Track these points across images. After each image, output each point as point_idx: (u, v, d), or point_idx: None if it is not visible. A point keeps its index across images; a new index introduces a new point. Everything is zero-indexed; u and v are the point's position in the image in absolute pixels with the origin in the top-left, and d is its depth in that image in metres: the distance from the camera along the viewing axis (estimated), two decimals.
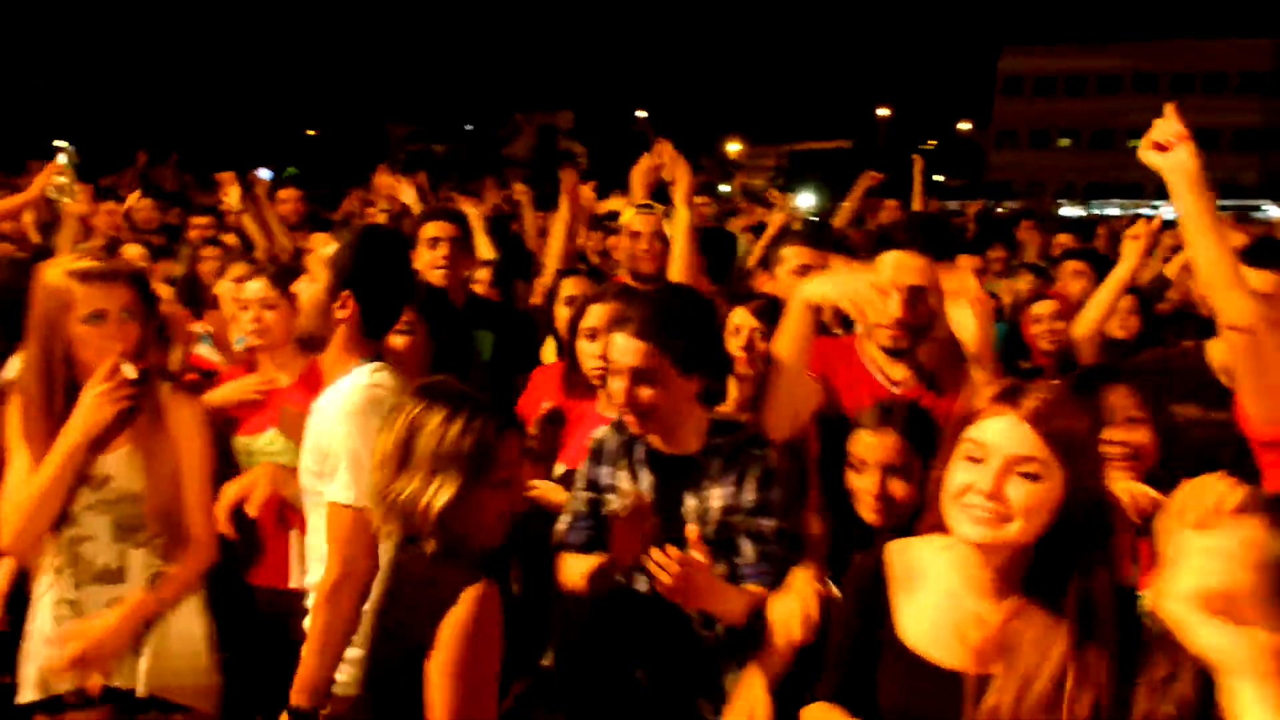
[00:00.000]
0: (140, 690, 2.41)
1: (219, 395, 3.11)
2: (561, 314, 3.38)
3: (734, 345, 2.91)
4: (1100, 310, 3.88)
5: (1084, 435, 1.67)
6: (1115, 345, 4.09)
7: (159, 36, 51.94)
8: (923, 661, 1.69)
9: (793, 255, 3.45)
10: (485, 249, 5.52)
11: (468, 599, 1.79)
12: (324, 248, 2.50)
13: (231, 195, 5.49)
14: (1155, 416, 2.22)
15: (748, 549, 2.20)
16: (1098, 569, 1.62)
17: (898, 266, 2.54)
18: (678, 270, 3.55)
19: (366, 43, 67.88)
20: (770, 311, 2.88)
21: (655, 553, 1.99)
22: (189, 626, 2.50)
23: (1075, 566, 1.62)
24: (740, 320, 2.94)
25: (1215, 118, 56.37)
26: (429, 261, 3.72)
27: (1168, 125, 2.13)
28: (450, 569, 1.84)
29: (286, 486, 2.68)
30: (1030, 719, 1.57)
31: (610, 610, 2.34)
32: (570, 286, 3.62)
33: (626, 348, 2.20)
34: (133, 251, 4.83)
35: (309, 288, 2.46)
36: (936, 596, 1.72)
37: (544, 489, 2.80)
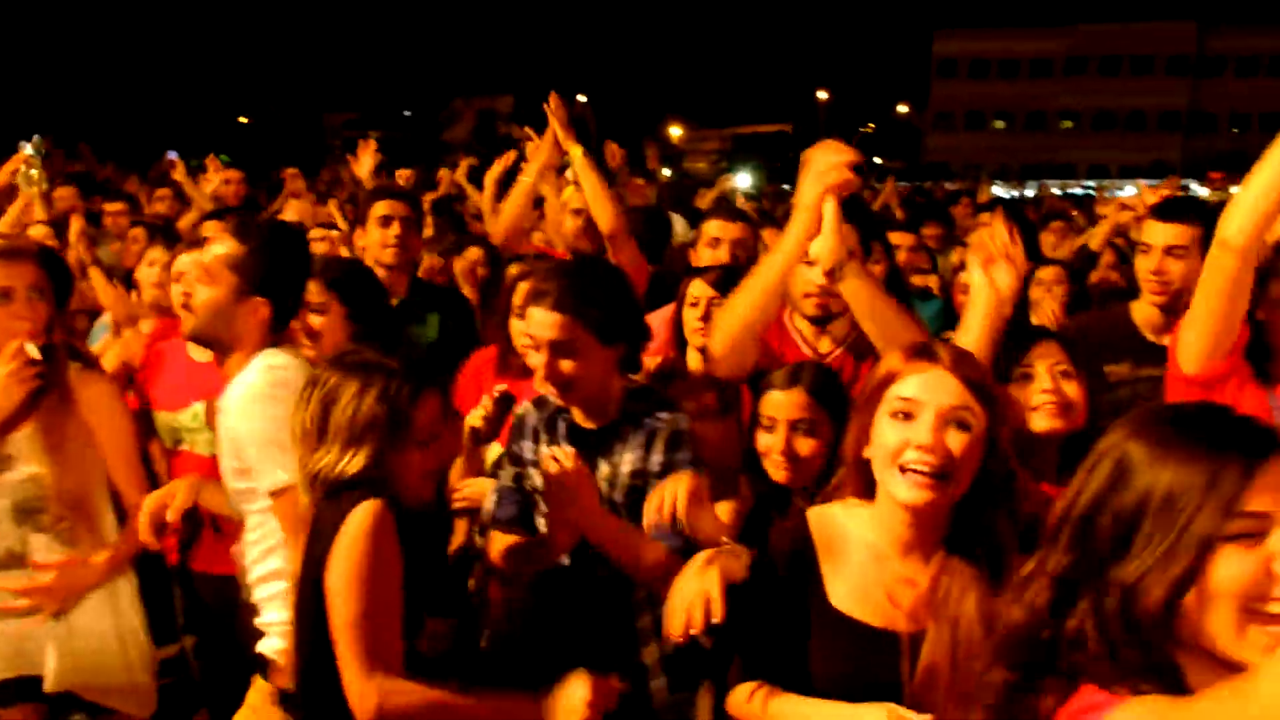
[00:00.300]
0: (48, 685, 2.34)
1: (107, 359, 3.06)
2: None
3: (691, 316, 2.92)
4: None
5: (993, 384, 1.72)
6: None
7: (92, 24, 50.28)
8: (857, 625, 1.70)
9: (710, 229, 3.55)
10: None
11: (357, 514, 1.83)
12: (219, 244, 2.36)
13: (180, 173, 5.53)
14: (1087, 374, 2.25)
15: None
16: (1006, 517, 1.67)
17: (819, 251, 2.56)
18: (604, 225, 3.60)
19: (303, 29, 66.44)
20: (727, 282, 2.91)
21: (548, 450, 2.07)
22: (96, 623, 2.41)
23: (989, 517, 1.67)
24: (698, 291, 2.95)
25: (1142, 99, 57.95)
26: (379, 240, 3.67)
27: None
28: (346, 499, 1.87)
29: (210, 498, 2.50)
30: (967, 671, 1.58)
31: (541, 588, 2.37)
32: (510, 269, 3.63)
33: (544, 321, 2.19)
34: (39, 231, 4.72)
35: (208, 291, 2.34)
36: (863, 560, 1.72)
37: (472, 489, 2.75)
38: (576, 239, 3.90)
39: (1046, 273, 4.15)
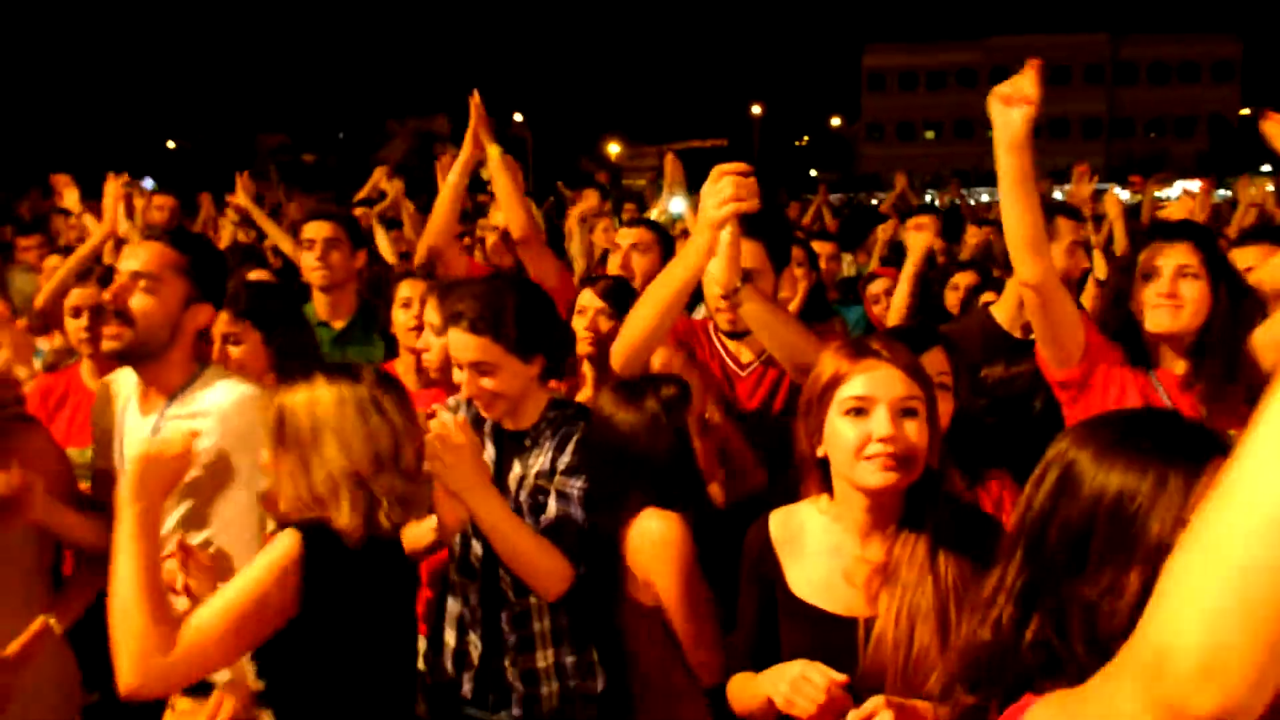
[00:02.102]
0: None
1: None
2: (397, 316, 3.40)
3: (579, 324, 3.00)
4: (903, 299, 4.04)
5: (927, 373, 1.81)
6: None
7: (18, 49, 48.76)
8: (819, 613, 1.79)
9: (625, 236, 3.78)
10: (387, 251, 5.48)
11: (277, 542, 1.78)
12: (156, 257, 2.34)
13: (69, 199, 5.22)
14: (965, 379, 2.36)
15: (552, 507, 2.26)
16: (945, 496, 1.80)
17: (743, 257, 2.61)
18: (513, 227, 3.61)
19: (236, 53, 65.38)
20: (617, 293, 2.96)
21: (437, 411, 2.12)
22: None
23: (930, 498, 1.77)
24: (586, 301, 3.01)
25: (1063, 107, 59.79)
26: (307, 263, 3.69)
27: (1020, 83, 2.20)
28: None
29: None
30: (921, 649, 1.67)
31: (442, 588, 2.43)
32: (407, 289, 3.71)
33: (464, 344, 2.24)
34: None
35: (146, 300, 2.31)
36: (821, 551, 1.82)
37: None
38: (494, 253, 3.94)
39: (962, 277, 4.27)
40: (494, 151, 3.56)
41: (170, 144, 46.71)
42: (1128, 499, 1.09)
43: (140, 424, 2.40)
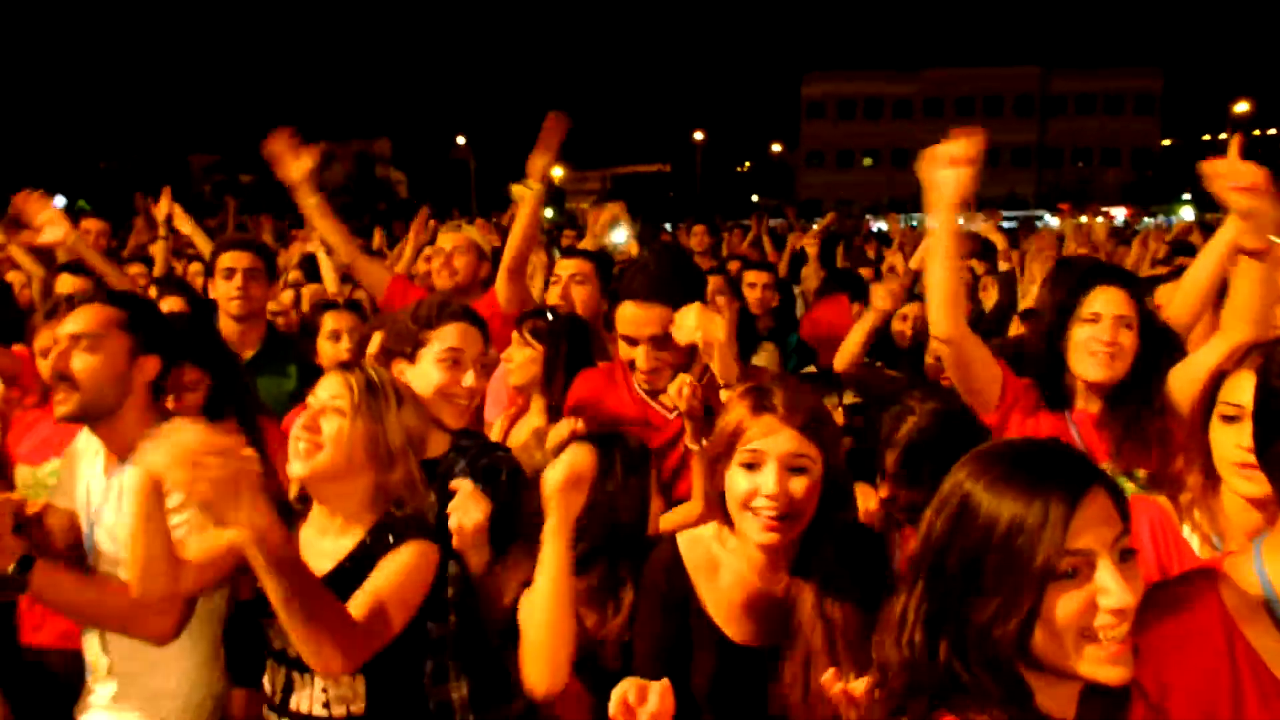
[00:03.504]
0: None
1: None
2: (325, 349, 3.30)
3: (516, 355, 3.04)
4: (856, 348, 3.80)
5: (830, 420, 1.88)
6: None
7: None
8: (730, 644, 1.85)
9: (564, 267, 3.88)
10: (331, 282, 5.38)
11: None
12: (84, 313, 2.30)
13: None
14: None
15: None
16: (831, 540, 1.85)
17: (635, 320, 2.61)
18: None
19: (167, 72, 64.17)
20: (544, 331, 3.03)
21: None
22: None
23: (825, 539, 1.84)
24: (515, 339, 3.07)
25: (996, 136, 60.23)
26: (224, 293, 3.62)
27: (953, 147, 2.27)
28: None
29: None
30: (816, 686, 1.69)
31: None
32: (332, 321, 3.72)
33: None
34: None
35: (91, 359, 2.25)
36: (732, 581, 1.88)
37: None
38: (437, 276, 3.96)
39: (911, 308, 4.33)
40: (536, 189, 3.56)
41: (101, 164, 45.63)
42: (1015, 528, 1.17)
43: (102, 483, 2.34)
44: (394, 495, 2.06)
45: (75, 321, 2.28)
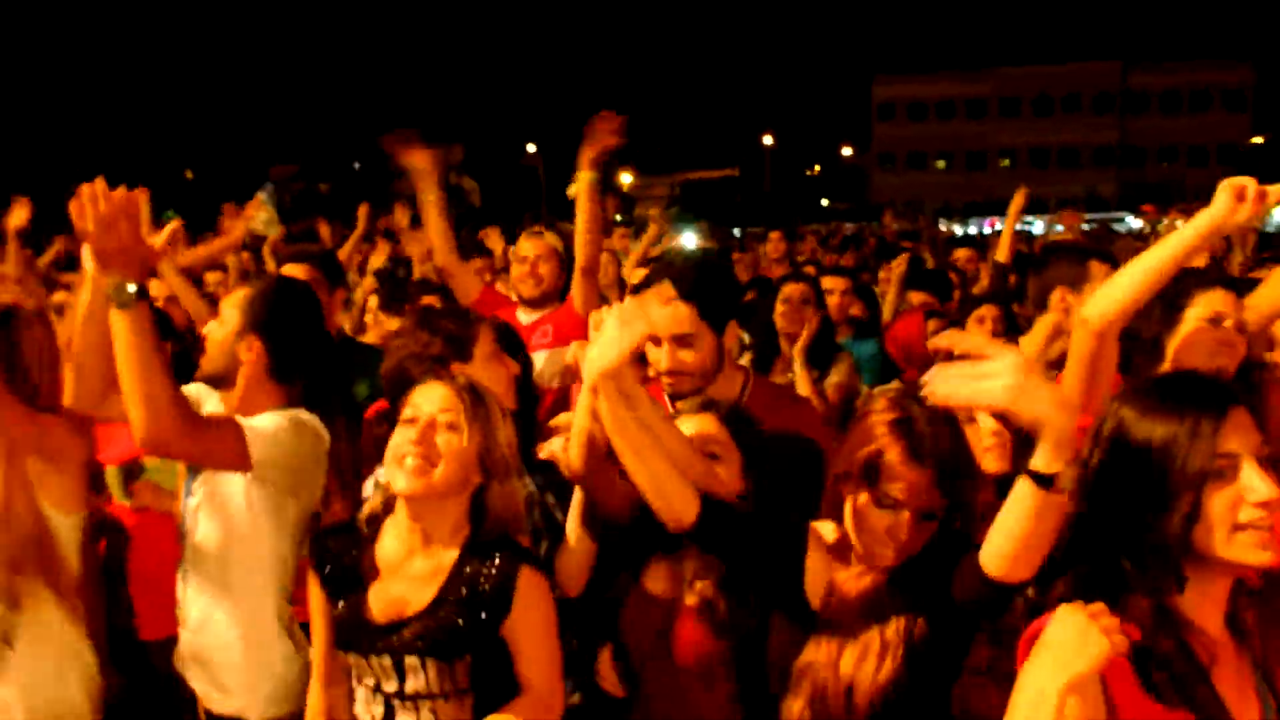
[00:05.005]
0: None
1: None
2: None
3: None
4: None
5: (966, 461, 1.87)
6: None
7: (35, 82, 49.42)
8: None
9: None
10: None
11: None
12: (235, 294, 2.50)
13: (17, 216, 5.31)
14: None
15: None
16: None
17: (662, 319, 2.39)
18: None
19: (248, 83, 66.22)
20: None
21: None
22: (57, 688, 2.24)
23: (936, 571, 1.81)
24: None
25: (1075, 135, 59.90)
26: None
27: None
28: None
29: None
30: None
31: None
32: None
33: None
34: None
35: (218, 329, 2.45)
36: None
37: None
38: (518, 284, 4.03)
39: (988, 310, 4.15)
40: (587, 177, 3.61)
41: (189, 174, 47.24)
42: (1170, 443, 1.41)
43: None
44: (494, 510, 1.99)
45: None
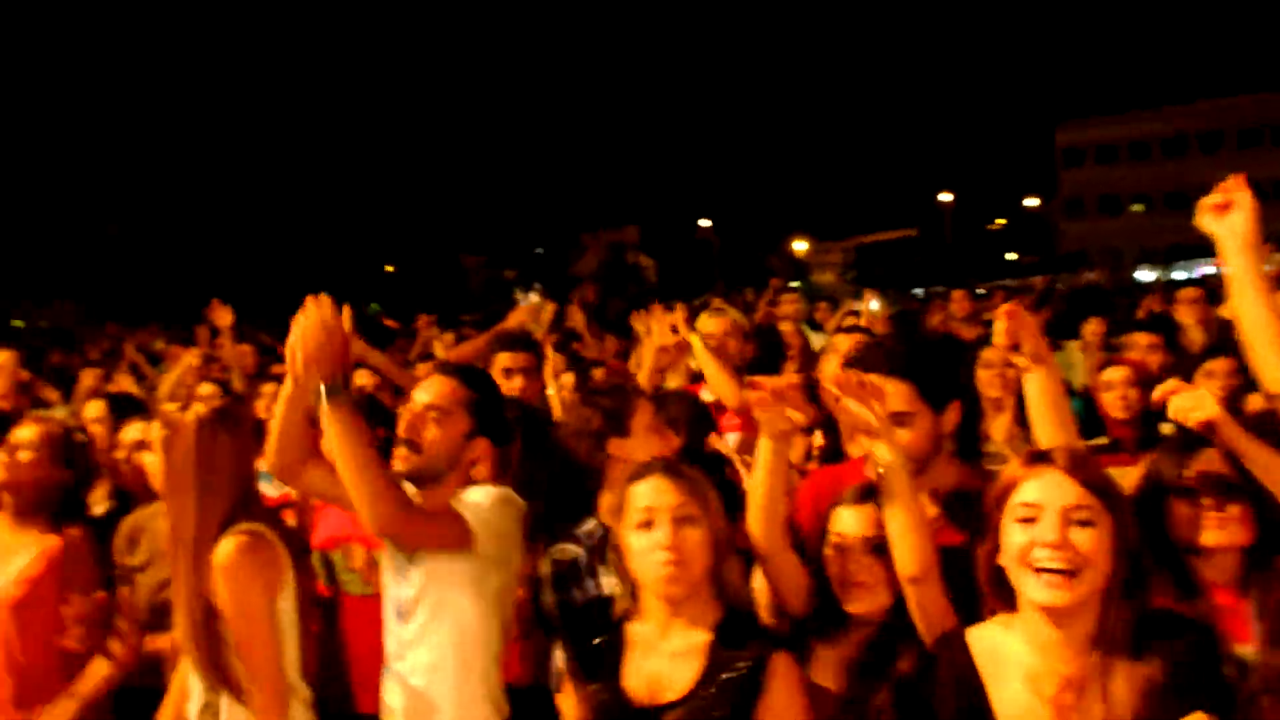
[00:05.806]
0: None
1: None
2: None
3: None
4: None
5: (1119, 489, 1.77)
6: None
7: (239, 183, 54.59)
8: None
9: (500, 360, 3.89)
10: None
11: None
12: (439, 385, 2.54)
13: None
14: None
15: None
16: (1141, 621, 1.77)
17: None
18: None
19: (436, 179, 71.07)
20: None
21: None
22: None
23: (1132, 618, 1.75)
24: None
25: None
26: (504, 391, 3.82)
27: (1229, 187, 2.14)
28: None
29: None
30: None
31: None
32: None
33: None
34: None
35: (435, 429, 2.48)
36: (1020, 679, 1.75)
37: None
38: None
39: (1218, 364, 3.81)
40: (695, 341, 3.78)
41: (389, 268, 50.84)
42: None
43: None
44: (727, 587, 2.07)
45: (428, 392, 2.51)
